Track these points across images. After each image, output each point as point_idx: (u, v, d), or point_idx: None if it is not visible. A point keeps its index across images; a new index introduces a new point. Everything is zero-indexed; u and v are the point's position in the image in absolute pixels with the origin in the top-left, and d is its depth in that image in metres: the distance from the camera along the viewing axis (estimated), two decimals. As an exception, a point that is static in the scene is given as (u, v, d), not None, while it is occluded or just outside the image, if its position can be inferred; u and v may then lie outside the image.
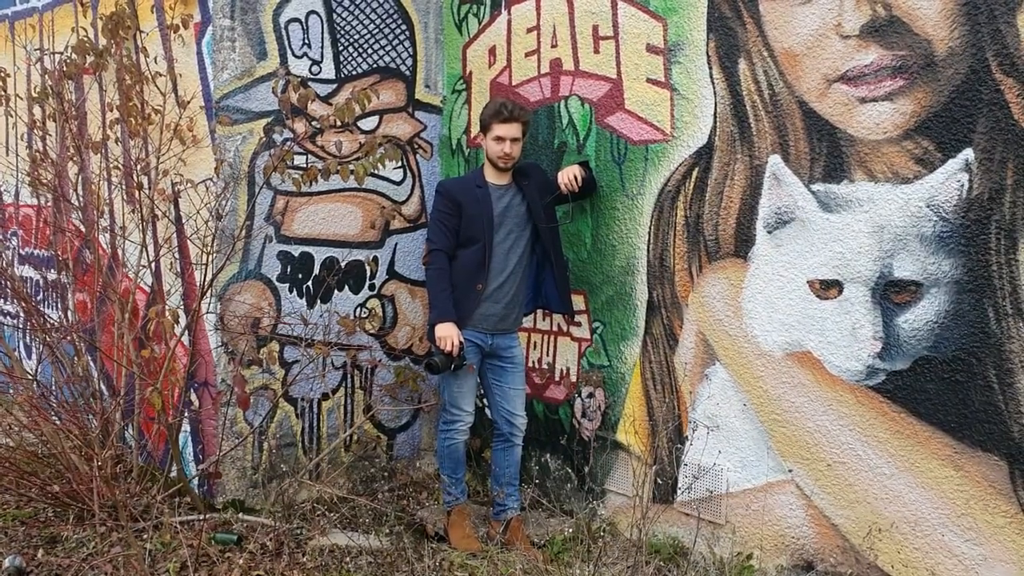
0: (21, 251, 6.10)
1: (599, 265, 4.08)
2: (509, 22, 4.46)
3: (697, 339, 3.69)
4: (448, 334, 3.64)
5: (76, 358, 4.61)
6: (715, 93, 3.56)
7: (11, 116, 5.61)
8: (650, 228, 3.85)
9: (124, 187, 4.58)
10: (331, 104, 4.35)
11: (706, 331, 3.65)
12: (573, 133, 4.17)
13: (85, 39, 4.54)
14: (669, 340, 3.81)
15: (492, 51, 4.59)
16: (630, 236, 3.94)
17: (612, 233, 4.01)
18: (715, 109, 3.56)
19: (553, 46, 4.24)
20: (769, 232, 3.40)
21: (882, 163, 3.07)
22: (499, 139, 3.74)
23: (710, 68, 3.58)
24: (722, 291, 3.58)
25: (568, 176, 3.83)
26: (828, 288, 3.23)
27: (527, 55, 4.38)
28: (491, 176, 3.85)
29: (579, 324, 4.21)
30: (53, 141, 5.16)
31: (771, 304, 3.41)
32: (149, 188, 4.17)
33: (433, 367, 3.66)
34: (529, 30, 4.36)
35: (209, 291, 3.94)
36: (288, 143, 3.99)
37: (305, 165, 4.24)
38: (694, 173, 3.67)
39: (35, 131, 5.23)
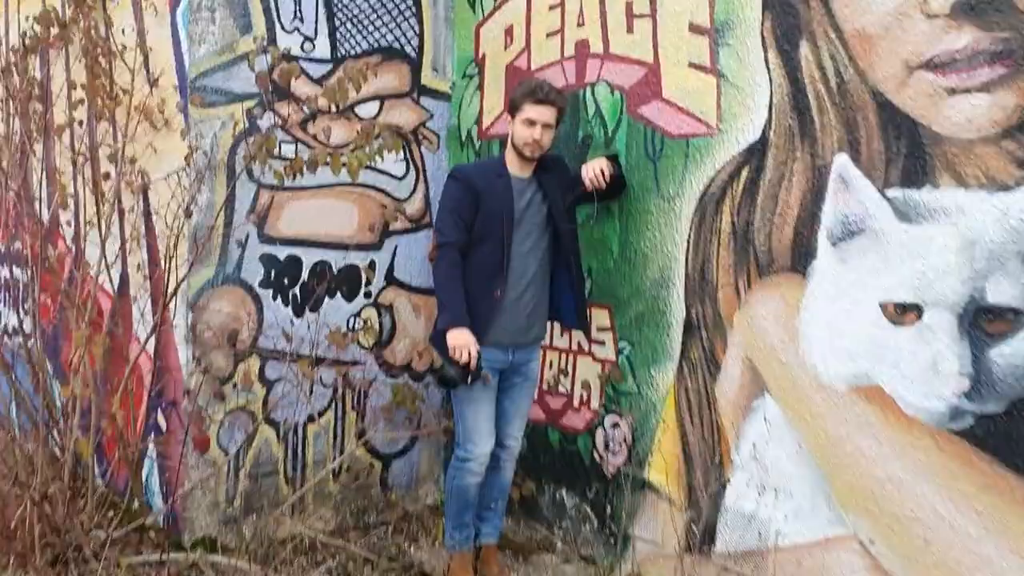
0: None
1: (628, 276, 3.69)
2: (529, -2, 4.08)
3: (743, 366, 3.30)
4: (464, 342, 3.25)
5: (35, 369, 4.23)
6: (771, 81, 3.17)
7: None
8: (689, 235, 3.46)
9: (90, 176, 4.19)
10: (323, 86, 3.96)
11: (754, 357, 3.26)
12: (600, 125, 3.78)
13: (51, 8, 4.16)
14: (710, 366, 3.42)
15: (509, 31, 4.20)
16: (665, 244, 3.55)
17: (644, 240, 3.62)
18: (771, 99, 3.17)
19: (579, 25, 3.85)
20: (834, 244, 3.01)
21: (975, 166, 2.67)
22: (530, 122, 3.35)
23: (765, 52, 3.18)
24: (775, 311, 3.18)
25: (594, 170, 3.45)
26: (905, 312, 2.83)
27: (549, 36, 3.99)
28: (513, 166, 3.47)
29: (602, 343, 3.82)
30: (14, 123, 4.77)
31: (834, 329, 3.01)
32: (116, 178, 3.78)
33: (447, 380, 3.26)
34: (552, 7, 3.98)
35: (174, 298, 3.54)
36: (272, 129, 3.59)
37: (294, 156, 3.86)
38: (744, 173, 3.27)
39: (-5, 112, 4.84)
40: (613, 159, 3.57)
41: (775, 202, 3.18)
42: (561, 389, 4.00)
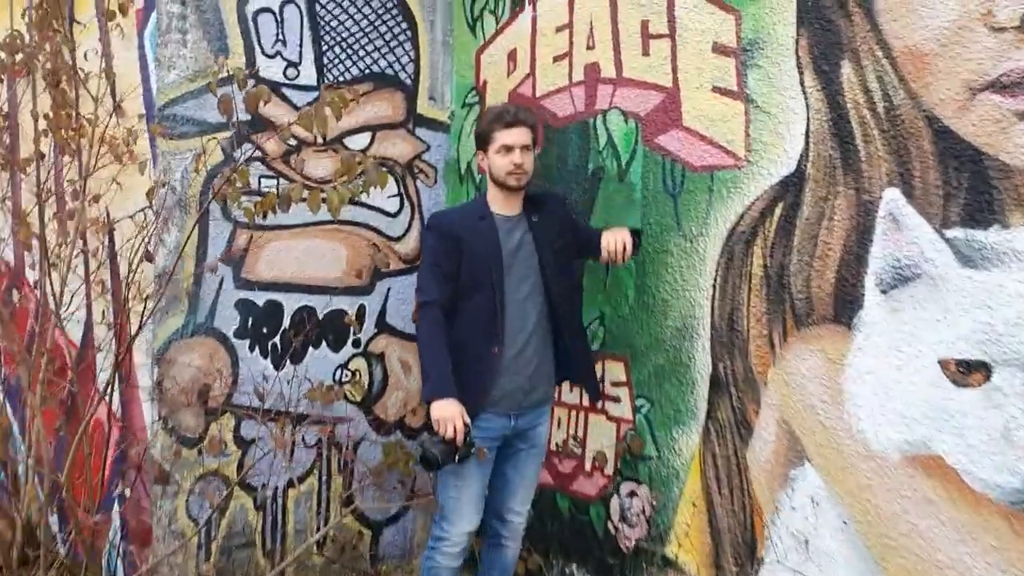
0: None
1: (645, 325, 3.33)
2: (534, 20, 3.76)
3: (779, 430, 2.92)
4: (448, 415, 2.88)
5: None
6: (807, 106, 2.83)
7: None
8: (716, 280, 3.11)
9: (53, 215, 3.86)
10: (310, 116, 3.65)
11: (792, 420, 2.88)
12: (613, 156, 3.44)
13: (15, 32, 3.86)
14: (740, 428, 3.05)
15: (512, 56, 3.89)
16: (688, 289, 3.19)
17: (663, 284, 3.27)
18: (807, 127, 2.83)
19: (589, 48, 3.53)
20: (884, 292, 2.64)
21: (1052, 201, 2.32)
22: (506, 149, 3.03)
23: (801, 73, 2.85)
24: (815, 368, 2.81)
25: (615, 245, 3.11)
26: (970, 371, 2.46)
27: (556, 60, 3.67)
28: (497, 204, 3.12)
29: (617, 400, 3.45)
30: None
31: (886, 389, 2.64)
32: (78, 217, 3.45)
33: (429, 461, 2.89)
34: (559, 29, 3.66)
35: (128, 353, 3.19)
36: (246, 162, 3.26)
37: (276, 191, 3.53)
38: (777, 210, 2.93)
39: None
40: (636, 234, 3.21)
41: (814, 243, 2.82)
42: (571, 450, 3.63)
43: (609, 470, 3.49)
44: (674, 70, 3.23)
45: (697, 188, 3.17)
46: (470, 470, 3.05)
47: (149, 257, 3.13)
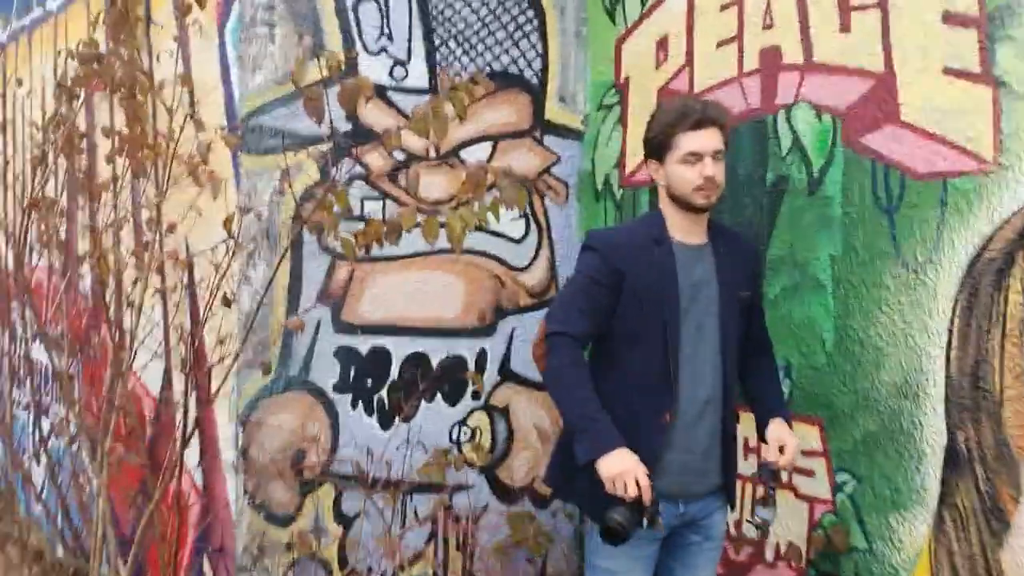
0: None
1: (849, 379, 2.66)
2: (690, -3, 3.14)
3: (1057, 529, 2.19)
4: (625, 468, 2.25)
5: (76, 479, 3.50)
6: (1094, 86, 2.10)
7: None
8: (952, 322, 2.41)
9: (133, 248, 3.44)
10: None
11: (1078, 517, 2.15)
12: (801, 162, 2.78)
13: (89, 41, 3.46)
14: (990, 520, 2.33)
15: (662, 44, 3.27)
16: (911, 334, 2.50)
17: (876, 327, 2.58)
18: (1095, 115, 2.10)
19: (766, 27, 2.88)
20: None
21: None
22: (693, 157, 2.38)
23: (1082, 42, 2.13)
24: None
25: (782, 457, 2.45)
26: None
27: (720, 45, 3.04)
28: (677, 229, 2.48)
29: (811, 473, 2.76)
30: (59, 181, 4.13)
31: None
32: (152, 249, 2.99)
33: (615, 531, 2.24)
34: (724, 7, 3.03)
35: (206, 411, 2.69)
36: (339, 180, 2.73)
37: (382, 217, 3.02)
38: (1046, 230, 2.21)
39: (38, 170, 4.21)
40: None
41: (1111, 274, 2.09)
42: (748, 535, 2.94)
43: (799, 562, 2.79)
44: (886, 49, 2.55)
45: (923, 201, 2.47)
46: (629, 560, 2.42)
47: (226, 301, 2.63)
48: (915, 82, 2.48)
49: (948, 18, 2.40)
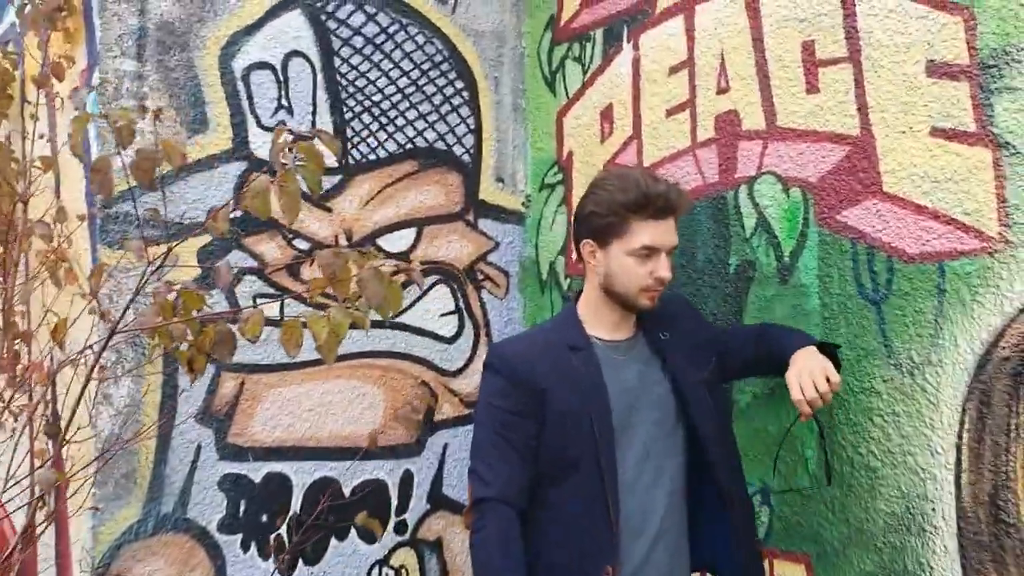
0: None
1: (840, 507, 2.22)
2: (636, 61, 2.80)
3: None
4: None
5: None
6: (1120, 143, 1.73)
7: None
8: (961, 437, 1.99)
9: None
10: (329, 210, 2.72)
11: None
12: (769, 244, 2.39)
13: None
14: None
15: (607, 114, 2.92)
16: (911, 452, 2.08)
17: (867, 443, 2.17)
18: (1124, 177, 1.73)
19: (721, 91, 2.53)
20: None
21: None
22: (648, 252, 1.96)
23: (1100, 91, 1.77)
24: None
25: (811, 387, 1.93)
26: None
27: (671, 113, 2.68)
28: (597, 325, 2.06)
29: (797, 623, 2.30)
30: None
31: None
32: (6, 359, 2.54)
33: None
34: (674, 69, 2.68)
35: (26, 555, 2.21)
36: (233, 275, 2.32)
37: (279, 317, 2.60)
38: (1073, 321, 1.81)
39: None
40: (830, 351, 2.09)
41: None
42: None
43: None
44: (862, 109, 2.19)
45: (916, 289, 2.07)
46: None
47: (52, 431, 2.16)
48: (898, 146, 2.11)
49: (933, 69, 2.05)
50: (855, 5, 2.20)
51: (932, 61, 2.06)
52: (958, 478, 2.00)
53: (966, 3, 1.99)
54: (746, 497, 2.17)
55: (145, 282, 1.77)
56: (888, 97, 2.14)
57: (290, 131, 1.66)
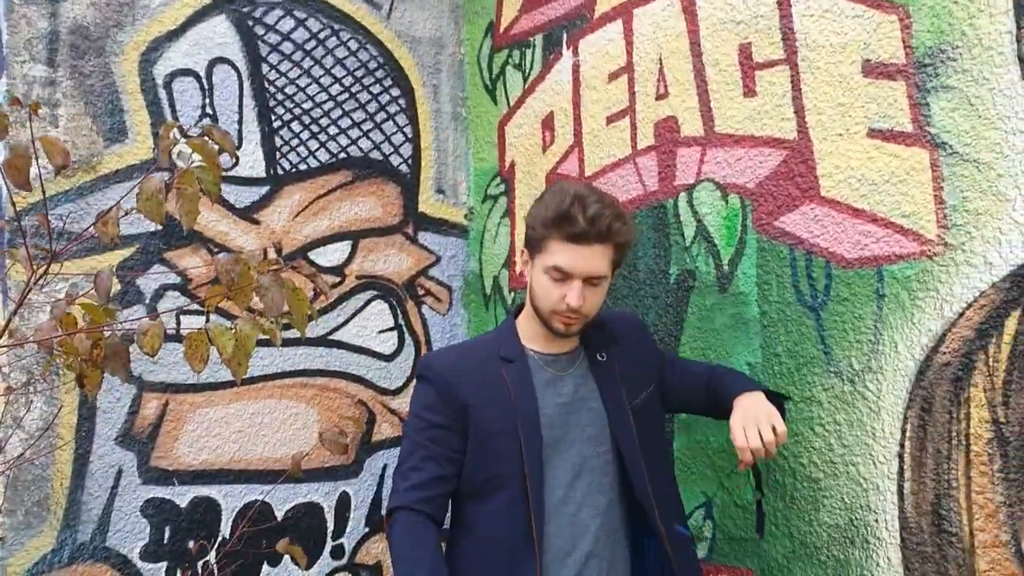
0: None
1: (783, 520, 2.17)
2: (576, 67, 2.77)
3: None
4: None
5: None
6: (1053, 142, 1.72)
7: None
8: (903, 445, 1.96)
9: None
10: (256, 222, 2.65)
11: None
12: (708, 253, 2.36)
13: None
14: None
15: (548, 123, 2.88)
16: (853, 462, 2.04)
17: (809, 452, 2.12)
18: (1058, 177, 1.72)
19: (660, 96, 2.50)
20: None
21: None
22: (558, 274, 1.89)
23: (1033, 89, 1.76)
24: None
25: (755, 439, 1.85)
26: None
27: (611, 120, 2.65)
28: (535, 338, 2.01)
29: (743, 643, 2.24)
30: None
31: None
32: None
33: None
34: (613, 75, 2.65)
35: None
36: (154, 291, 2.23)
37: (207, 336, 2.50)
38: (1010, 323, 1.78)
39: None
40: (779, 401, 2.04)
41: (1099, 380, 1.66)
42: None
43: None
44: (799, 112, 2.16)
45: (855, 294, 2.04)
46: None
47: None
48: (836, 149, 2.09)
49: (869, 69, 2.03)
50: (791, 6, 2.18)
51: (868, 61, 2.04)
52: (900, 488, 1.97)
53: (901, 1, 1.98)
54: (686, 535, 2.08)
55: (27, 295, 1.67)
56: (825, 99, 2.12)
57: (180, 128, 1.57)
